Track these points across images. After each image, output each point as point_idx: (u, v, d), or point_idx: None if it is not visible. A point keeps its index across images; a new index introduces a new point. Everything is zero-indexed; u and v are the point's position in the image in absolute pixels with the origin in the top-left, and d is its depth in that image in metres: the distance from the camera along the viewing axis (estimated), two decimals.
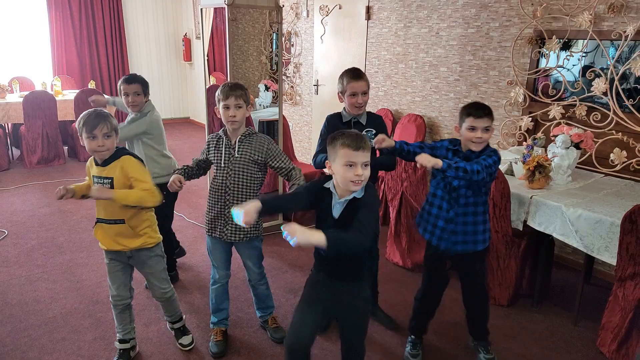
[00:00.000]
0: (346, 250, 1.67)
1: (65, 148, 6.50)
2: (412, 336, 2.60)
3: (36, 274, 3.37)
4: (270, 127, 4.86)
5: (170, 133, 7.76)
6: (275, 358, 2.56)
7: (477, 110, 2.18)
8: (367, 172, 1.72)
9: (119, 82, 2.95)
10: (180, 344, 2.60)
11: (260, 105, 5.00)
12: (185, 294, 3.17)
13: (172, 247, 3.33)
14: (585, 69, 3.37)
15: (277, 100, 4.48)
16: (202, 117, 8.47)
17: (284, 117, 4.55)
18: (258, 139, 2.40)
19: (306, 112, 6.10)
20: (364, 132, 2.53)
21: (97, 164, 2.23)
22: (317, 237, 1.57)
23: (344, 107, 2.61)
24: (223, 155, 2.38)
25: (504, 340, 2.73)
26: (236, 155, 2.37)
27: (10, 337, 2.67)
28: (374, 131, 2.59)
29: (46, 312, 2.91)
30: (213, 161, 2.45)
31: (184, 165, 2.46)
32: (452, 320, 2.89)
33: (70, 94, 6.52)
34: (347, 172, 1.70)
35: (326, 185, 1.84)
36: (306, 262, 3.62)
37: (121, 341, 2.46)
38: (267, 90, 4.98)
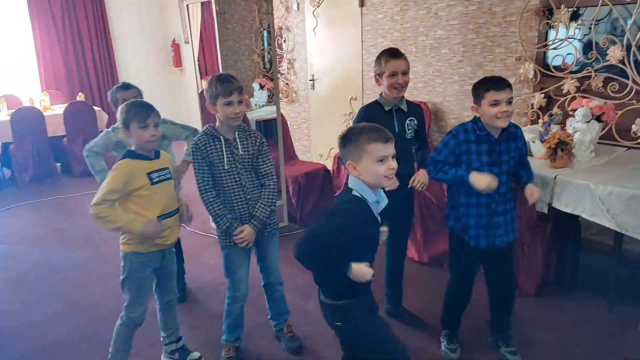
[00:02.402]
0: None
1: (58, 164, 6.30)
2: (447, 330, 2.43)
3: (30, 298, 3.16)
4: (268, 127, 4.66)
5: None
6: None
7: (497, 83, 1.99)
8: (395, 163, 1.59)
9: (113, 92, 2.76)
10: None
11: (255, 105, 4.81)
12: (191, 307, 2.97)
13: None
14: (597, 37, 3.16)
15: (272, 98, 4.30)
16: (195, 123, 8.25)
17: (282, 115, 4.36)
18: (253, 133, 2.29)
19: (303, 109, 5.90)
20: (407, 121, 2.37)
21: (147, 159, 2.09)
22: None
23: (381, 94, 2.38)
24: (226, 155, 2.18)
25: (537, 333, 2.53)
26: (240, 152, 2.21)
27: None
28: (415, 120, 2.39)
29: (42, 339, 2.71)
30: (215, 164, 2.19)
31: (225, 212, 2.21)
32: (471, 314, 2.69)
33: (60, 109, 6.32)
34: (379, 168, 1.55)
35: (355, 193, 1.60)
36: None
37: None
38: (262, 89, 4.78)
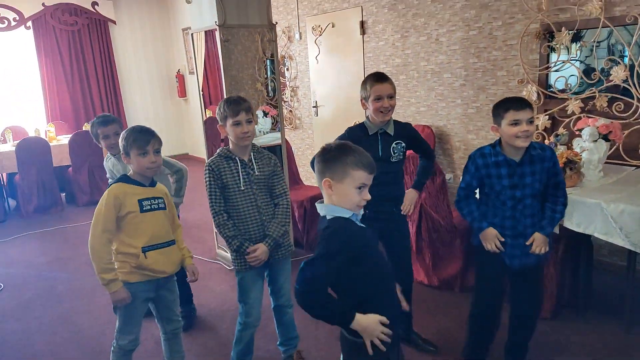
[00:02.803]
0: None
1: (63, 194, 6.30)
2: None
3: (34, 327, 3.10)
4: (272, 153, 4.68)
5: None
6: None
7: (517, 102, 1.98)
8: (369, 196, 1.52)
9: (93, 126, 2.69)
10: None
11: (260, 132, 4.84)
12: (198, 334, 2.90)
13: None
14: (599, 59, 3.20)
15: (276, 125, 4.32)
16: (201, 152, 8.31)
17: (287, 141, 4.38)
18: (267, 154, 2.31)
19: (307, 135, 5.93)
20: (393, 145, 2.35)
21: (141, 185, 2.06)
22: None
23: (368, 117, 2.38)
24: (242, 176, 2.18)
25: (554, 358, 2.46)
26: (257, 172, 2.21)
27: None
28: (403, 143, 2.36)
29: None
30: (229, 186, 2.18)
31: (237, 234, 2.18)
32: None
33: (65, 139, 6.37)
34: (356, 196, 1.48)
35: (330, 216, 1.51)
36: None
37: None
38: (266, 117, 4.82)
